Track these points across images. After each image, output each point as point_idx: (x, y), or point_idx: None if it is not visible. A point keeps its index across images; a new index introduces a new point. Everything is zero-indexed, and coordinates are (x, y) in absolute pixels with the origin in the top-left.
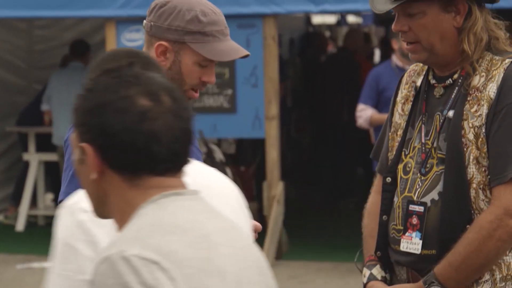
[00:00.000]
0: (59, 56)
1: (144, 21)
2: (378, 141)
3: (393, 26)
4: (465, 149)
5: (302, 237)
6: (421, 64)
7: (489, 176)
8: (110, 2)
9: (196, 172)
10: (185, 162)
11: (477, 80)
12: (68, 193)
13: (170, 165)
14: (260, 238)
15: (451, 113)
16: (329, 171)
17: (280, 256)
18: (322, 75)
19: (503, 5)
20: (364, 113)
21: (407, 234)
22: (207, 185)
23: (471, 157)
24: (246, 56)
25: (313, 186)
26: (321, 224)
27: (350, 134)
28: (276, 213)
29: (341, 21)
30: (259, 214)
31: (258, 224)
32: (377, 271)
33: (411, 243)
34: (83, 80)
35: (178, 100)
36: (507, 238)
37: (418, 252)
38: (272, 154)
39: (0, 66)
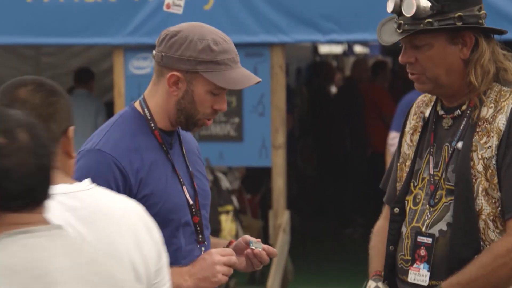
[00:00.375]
0: (66, 83)
1: (154, 51)
2: (387, 172)
3: (400, 58)
4: (473, 180)
5: (308, 266)
6: (430, 95)
7: (501, 208)
8: (118, 30)
9: (95, 200)
10: (43, 197)
11: (485, 112)
12: None
13: (25, 201)
14: (266, 267)
15: (460, 144)
16: (333, 200)
17: (286, 284)
18: (328, 104)
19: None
20: (396, 141)
21: (415, 265)
22: (106, 213)
23: (480, 189)
24: (258, 82)
25: (318, 215)
26: (326, 253)
27: (353, 164)
28: (282, 241)
29: (348, 51)
30: (264, 242)
31: (271, 249)
32: (383, 286)
33: (419, 275)
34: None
35: (37, 137)
36: None
37: (426, 284)
38: (279, 183)
39: None
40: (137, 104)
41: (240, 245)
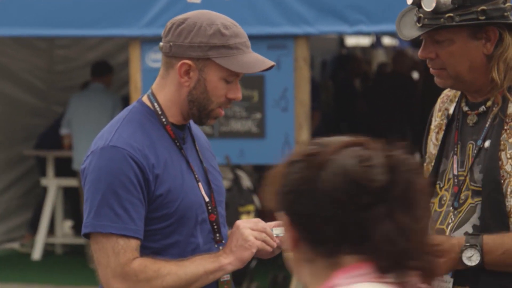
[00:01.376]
0: (81, 77)
1: (161, 43)
2: None
3: (419, 53)
4: (502, 181)
5: None
6: (454, 90)
7: None
8: (134, 21)
9: None
10: None
11: None
12: (95, 224)
13: None
14: (288, 269)
15: (487, 143)
16: None
17: None
18: (354, 99)
19: None
20: None
21: None
22: None
23: (509, 189)
24: (272, 67)
25: None
26: None
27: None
28: None
29: (376, 43)
30: None
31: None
32: None
33: (442, 281)
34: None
35: None
36: None
37: None
38: None
39: (19, 87)
40: (145, 99)
41: None
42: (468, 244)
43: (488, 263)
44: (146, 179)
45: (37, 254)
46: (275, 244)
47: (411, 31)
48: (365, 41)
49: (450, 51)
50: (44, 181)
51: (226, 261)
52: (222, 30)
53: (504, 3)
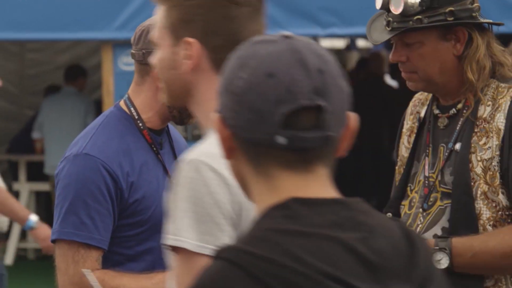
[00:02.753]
0: (52, 81)
1: (132, 51)
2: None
3: (390, 57)
4: (472, 183)
5: None
6: (426, 93)
7: (508, 212)
8: (106, 24)
9: None
10: None
11: (483, 110)
12: (60, 231)
13: None
14: None
15: (458, 146)
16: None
17: None
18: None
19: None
20: None
21: None
22: None
23: (479, 192)
24: None
25: None
26: None
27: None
28: None
29: (351, 46)
30: None
31: None
32: None
33: None
34: (76, 107)
35: None
36: None
37: None
38: None
39: None
40: (122, 104)
41: None
42: (437, 248)
43: (457, 266)
44: (118, 188)
45: (9, 259)
46: None
47: (381, 35)
48: (339, 43)
49: (420, 54)
50: (16, 186)
51: None
52: None
53: (472, 3)
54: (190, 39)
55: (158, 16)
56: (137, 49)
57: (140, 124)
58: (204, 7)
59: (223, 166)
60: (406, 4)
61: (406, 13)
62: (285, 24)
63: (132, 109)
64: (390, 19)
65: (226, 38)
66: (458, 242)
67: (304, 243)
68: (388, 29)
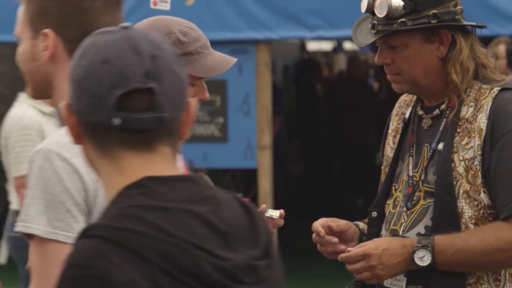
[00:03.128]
0: None
1: None
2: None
3: (376, 59)
4: (454, 182)
5: (295, 269)
6: (411, 95)
7: (494, 209)
8: None
9: None
10: None
11: (465, 111)
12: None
13: None
14: None
15: (440, 146)
16: (324, 202)
17: None
18: (317, 103)
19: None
20: None
21: None
22: None
23: (461, 191)
24: (234, 62)
25: (306, 216)
26: (314, 253)
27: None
28: None
29: (338, 48)
30: None
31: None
32: None
33: (396, 279)
34: None
35: None
36: None
37: None
38: (265, 185)
39: None
40: None
41: None
42: (420, 245)
43: (439, 263)
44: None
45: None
46: None
47: (366, 38)
48: (326, 46)
49: (405, 56)
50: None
51: None
52: (181, 38)
53: (455, 6)
54: (47, 31)
55: (20, 11)
56: None
57: None
58: (59, 0)
59: (73, 154)
60: (390, 8)
61: (391, 16)
62: (273, 27)
63: None
64: (375, 22)
65: (80, 30)
66: (440, 239)
67: (165, 217)
68: (373, 32)
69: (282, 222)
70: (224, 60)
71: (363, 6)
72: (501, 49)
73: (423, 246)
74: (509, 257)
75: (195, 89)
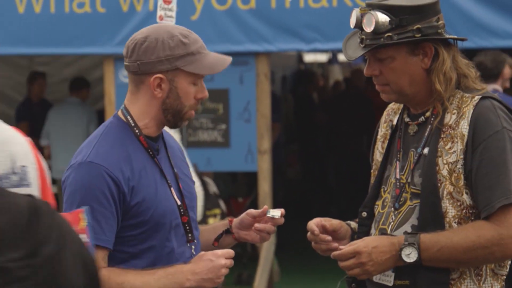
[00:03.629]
0: (59, 92)
1: (126, 63)
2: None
3: (365, 71)
4: (439, 184)
5: (293, 267)
6: (398, 103)
7: (475, 209)
8: (107, 40)
9: None
10: None
11: (449, 118)
12: None
13: None
14: (252, 268)
15: (426, 150)
16: (318, 202)
17: (271, 285)
18: (313, 111)
19: (470, 45)
20: None
21: None
22: None
23: (445, 192)
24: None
25: (303, 217)
26: (311, 254)
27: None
28: (268, 244)
29: (333, 60)
30: (251, 244)
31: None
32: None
33: (384, 275)
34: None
35: None
36: (500, 256)
37: (391, 284)
38: (264, 187)
39: (2, 101)
40: (120, 113)
41: (246, 220)
42: (406, 243)
43: (425, 259)
44: (121, 192)
45: None
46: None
47: (355, 51)
48: (322, 57)
49: (392, 68)
50: None
51: (188, 284)
52: (183, 40)
53: (437, 21)
54: None
55: None
56: (131, 61)
57: (137, 131)
58: None
59: None
60: (377, 23)
61: (378, 31)
62: (272, 40)
63: (128, 117)
64: (363, 36)
65: None
66: (426, 238)
67: None
68: (362, 45)
69: (282, 220)
70: (222, 58)
71: (352, 22)
72: None
73: (410, 243)
74: (489, 254)
75: (196, 88)
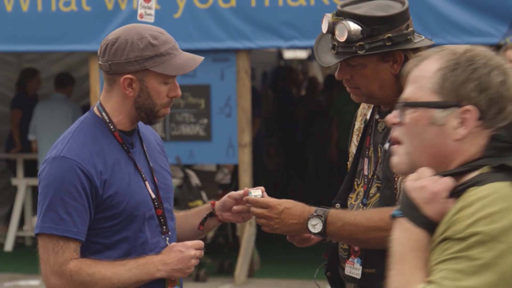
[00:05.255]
0: (47, 88)
1: (99, 62)
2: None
3: (336, 75)
4: (396, 178)
5: (273, 256)
6: None
7: None
8: (93, 38)
9: None
10: None
11: None
12: (42, 226)
13: None
14: (233, 257)
15: (387, 146)
16: (299, 194)
17: (252, 274)
18: (293, 106)
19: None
20: None
21: (350, 259)
22: None
23: (401, 186)
24: (201, 60)
25: None
26: (290, 244)
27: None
28: (248, 234)
29: (312, 56)
30: (232, 234)
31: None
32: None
33: (353, 268)
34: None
35: None
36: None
37: (359, 277)
38: (245, 179)
39: None
40: (95, 109)
41: (228, 203)
42: (315, 214)
43: (329, 233)
44: (93, 186)
45: (8, 246)
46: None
47: (328, 58)
48: (302, 54)
49: (363, 74)
50: (14, 181)
51: (159, 274)
52: (152, 41)
53: (407, 28)
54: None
55: None
56: (104, 60)
57: (111, 127)
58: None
59: None
60: (349, 33)
61: (350, 40)
62: (252, 38)
63: (103, 113)
64: (335, 43)
65: None
66: (334, 212)
67: None
68: (334, 52)
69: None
70: (192, 59)
71: (324, 28)
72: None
73: (318, 215)
74: (385, 237)
75: (168, 87)
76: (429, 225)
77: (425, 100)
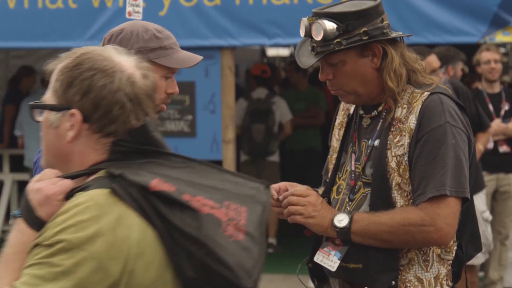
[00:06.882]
0: (34, 84)
1: None
2: (326, 164)
3: (319, 76)
4: (389, 175)
5: None
6: None
7: (412, 197)
8: (79, 35)
9: None
10: None
11: (399, 112)
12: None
13: None
14: None
15: (376, 143)
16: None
17: None
18: None
19: (423, 41)
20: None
21: (325, 249)
22: None
23: (394, 183)
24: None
25: None
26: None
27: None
28: None
29: (294, 54)
30: None
31: None
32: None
33: (327, 259)
34: None
35: None
36: (421, 241)
37: (334, 269)
38: None
39: None
40: None
41: None
42: (345, 211)
43: (354, 231)
44: None
45: None
46: None
47: (308, 59)
48: (284, 52)
49: (344, 71)
50: (0, 176)
51: None
52: (157, 34)
53: (382, 22)
54: None
55: None
56: None
57: None
58: None
59: None
60: (325, 31)
61: (327, 38)
62: (236, 35)
63: None
64: (314, 44)
65: None
66: (359, 213)
67: None
68: (313, 53)
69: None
70: (193, 56)
71: (302, 31)
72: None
73: (345, 212)
74: (411, 236)
75: (167, 83)
76: (42, 227)
77: (48, 102)
